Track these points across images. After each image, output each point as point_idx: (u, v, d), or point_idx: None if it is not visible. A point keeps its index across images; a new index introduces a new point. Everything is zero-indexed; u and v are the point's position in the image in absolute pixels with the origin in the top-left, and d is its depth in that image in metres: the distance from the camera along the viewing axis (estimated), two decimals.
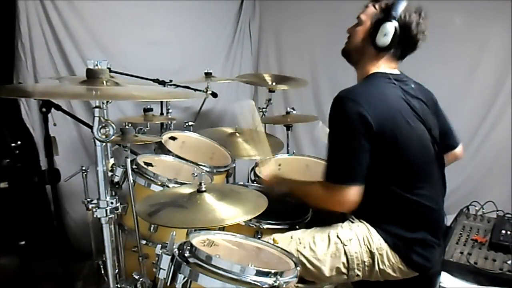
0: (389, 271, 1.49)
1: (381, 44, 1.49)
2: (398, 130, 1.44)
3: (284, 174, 1.90)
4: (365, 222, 1.54)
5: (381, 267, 1.49)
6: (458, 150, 1.75)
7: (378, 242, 1.49)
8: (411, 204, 1.48)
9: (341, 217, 1.63)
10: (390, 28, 1.46)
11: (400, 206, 1.49)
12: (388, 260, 1.49)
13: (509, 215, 2.06)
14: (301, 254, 1.50)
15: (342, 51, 1.62)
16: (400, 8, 1.46)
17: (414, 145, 1.48)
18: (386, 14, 1.47)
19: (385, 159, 1.44)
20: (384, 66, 1.54)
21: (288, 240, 1.55)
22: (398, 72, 1.58)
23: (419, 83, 1.64)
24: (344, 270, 1.50)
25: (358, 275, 1.50)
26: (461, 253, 1.77)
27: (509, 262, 1.68)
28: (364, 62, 1.56)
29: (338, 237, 1.51)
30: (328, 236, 1.53)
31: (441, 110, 1.69)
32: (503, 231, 1.87)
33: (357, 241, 1.50)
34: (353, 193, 1.43)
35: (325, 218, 1.71)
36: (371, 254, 1.49)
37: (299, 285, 1.51)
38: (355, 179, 1.42)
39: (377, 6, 1.52)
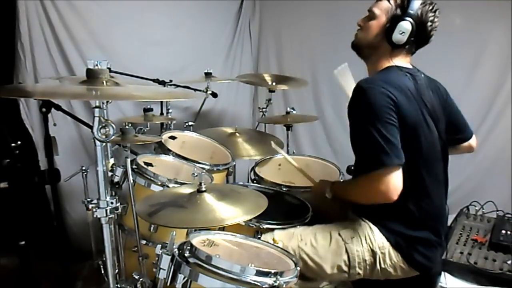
0: (391, 270, 1.49)
1: (397, 41, 1.47)
2: (416, 120, 1.43)
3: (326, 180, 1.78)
4: (367, 221, 1.53)
5: (382, 266, 1.49)
6: (473, 141, 1.73)
7: (380, 241, 1.49)
8: (417, 201, 1.47)
9: (341, 216, 1.63)
10: (407, 26, 1.44)
11: (405, 203, 1.46)
12: (390, 259, 1.49)
13: (509, 215, 2.06)
14: (302, 250, 1.50)
15: (353, 45, 1.59)
16: (416, 5, 1.45)
17: (425, 138, 1.46)
18: (402, 11, 1.45)
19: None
20: (398, 61, 1.53)
21: (290, 236, 1.55)
22: (411, 66, 1.57)
23: (429, 76, 1.63)
24: (345, 268, 1.50)
25: (359, 273, 1.50)
26: (461, 253, 1.77)
27: (509, 262, 1.68)
28: (376, 57, 1.54)
29: (340, 234, 1.51)
30: (330, 233, 1.53)
31: (452, 101, 1.67)
32: (503, 231, 1.87)
33: (359, 239, 1.50)
34: (396, 176, 1.34)
35: (326, 218, 1.71)
36: (373, 253, 1.49)
37: (299, 281, 1.51)
38: (392, 159, 1.34)
39: (392, 1, 1.49)
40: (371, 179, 1.38)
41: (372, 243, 1.49)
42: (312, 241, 1.52)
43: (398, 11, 1.47)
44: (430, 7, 1.47)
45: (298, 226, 1.67)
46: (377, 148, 1.35)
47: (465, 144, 1.72)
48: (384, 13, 1.49)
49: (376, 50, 1.53)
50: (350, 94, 1.83)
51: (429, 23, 1.47)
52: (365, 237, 1.50)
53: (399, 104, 1.38)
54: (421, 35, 1.48)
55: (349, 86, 1.89)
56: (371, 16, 1.53)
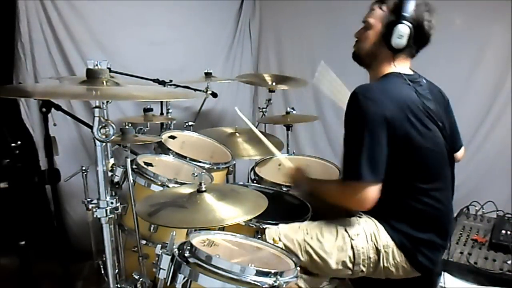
0: (393, 269, 1.50)
1: (397, 46, 1.46)
2: (412, 130, 1.42)
3: (306, 171, 1.79)
4: (373, 218, 1.54)
5: (385, 264, 1.49)
6: (460, 152, 1.73)
7: (385, 240, 1.49)
8: (423, 204, 1.47)
9: (343, 214, 1.62)
10: (404, 29, 1.44)
11: (412, 206, 1.47)
12: (393, 259, 1.49)
13: (509, 215, 2.07)
14: (308, 244, 1.50)
15: (353, 56, 1.60)
16: (410, 7, 1.44)
17: (427, 146, 1.45)
18: (397, 15, 1.45)
19: (397, 157, 1.42)
20: (399, 66, 1.52)
21: (295, 229, 1.55)
22: (412, 72, 1.57)
23: (430, 81, 1.63)
24: (349, 265, 1.50)
25: (362, 270, 1.51)
26: (461, 253, 1.78)
27: (509, 262, 1.68)
28: (377, 64, 1.54)
29: (346, 230, 1.52)
30: (336, 229, 1.53)
31: (451, 109, 1.67)
32: (503, 231, 1.87)
33: (364, 236, 1.50)
34: (372, 190, 1.37)
35: (326, 217, 1.71)
36: (377, 251, 1.49)
37: (303, 275, 1.50)
38: (373, 176, 1.37)
39: (384, 8, 1.49)
40: (348, 187, 1.42)
41: (377, 241, 1.49)
42: (318, 236, 1.52)
43: (393, 16, 1.47)
44: (424, 7, 1.47)
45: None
46: (359, 161, 1.37)
47: (455, 154, 1.70)
48: (379, 21, 1.50)
49: (376, 57, 1.53)
50: (336, 97, 1.81)
51: (426, 23, 1.47)
52: (371, 234, 1.50)
53: (391, 117, 1.38)
54: (419, 36, 1.48)
55: (335, 87, 1.89)
56: (367, 26, 1.54)
